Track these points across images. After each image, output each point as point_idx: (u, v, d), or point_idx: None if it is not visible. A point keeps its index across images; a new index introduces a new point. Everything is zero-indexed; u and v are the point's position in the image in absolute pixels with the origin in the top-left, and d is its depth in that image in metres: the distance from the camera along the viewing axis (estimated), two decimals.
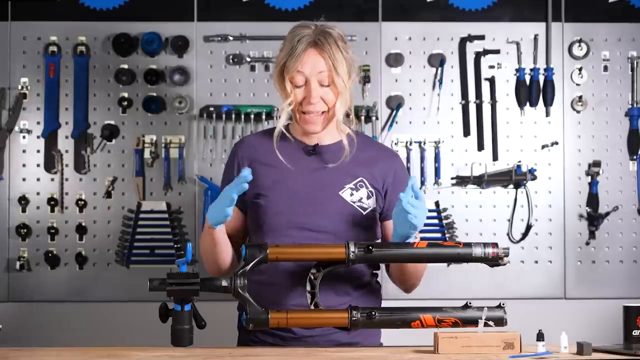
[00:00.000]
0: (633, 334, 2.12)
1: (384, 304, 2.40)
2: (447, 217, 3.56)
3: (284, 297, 2.28)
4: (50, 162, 3.57)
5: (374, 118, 3.55)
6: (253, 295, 2.25)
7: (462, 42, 3.61)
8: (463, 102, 3.61)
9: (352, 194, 2.33)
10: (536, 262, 3.60)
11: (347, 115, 2.37)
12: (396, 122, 3.58)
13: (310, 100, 2.28)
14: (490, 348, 2.02)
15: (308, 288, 2.17)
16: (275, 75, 2.34)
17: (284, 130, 2.37)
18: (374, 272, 2.43)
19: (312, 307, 2.15)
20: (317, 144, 2.36)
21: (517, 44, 3.61)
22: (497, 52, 3.61)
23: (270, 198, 2.32)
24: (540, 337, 2.01)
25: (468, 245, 2.16)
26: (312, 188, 2.32)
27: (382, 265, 2.47)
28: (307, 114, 2.30)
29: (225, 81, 3.60)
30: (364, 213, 2.33)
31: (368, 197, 2.34)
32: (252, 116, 3.54)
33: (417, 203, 2.15)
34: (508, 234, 3.61)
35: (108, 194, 3.57)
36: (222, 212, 2.18)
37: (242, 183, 2.12)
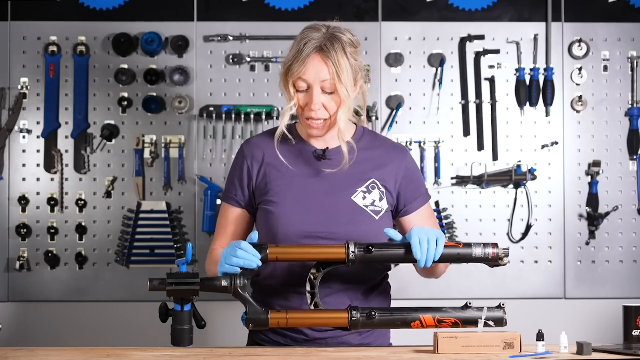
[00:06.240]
0: (633, 334, 2.13)
1: None
2: (447, 217, 3.56)
3: (297, 303, 2.26)
4: (50, 162, 3.57)
5: (374, 118, 3.55)
6: (264, 299, 2.25)
7: (462, 42, 3.61)
8: (463, 102, 3.61)
9: (364, 198, 2.30)
10: (536, 262, 3.60)
11: (358, 114, 2.36)
12: (396, 122, 3.58)
13: (312, 107, 2.23)
14: (490, 348, 2.02)
15: (308, 288, 2.17)
16: (281, 76, 2.29)
17: (295, 131, 2.35)
18: (387, 272, 2.42)
19: (312, 308, 2.16)
20: (327, 147, 2.33)
21: (517, 44, 3.61)
22: (497, 52, 3.61)
23: (282, 206, 2.28)
24: (540, 337, 2.01)
25: (468, 245, 2.16)
26: (324, 194, 2.29)
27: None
28: (309, 120, 2.26)
29: (225, 81, 3.60)
30: (377, 218, 2.30)
31: (380, 199, 2.31)
32: (252, 116, 3.54)
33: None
34: (508, 234, 3.61)
35: (108, 194, 3.57)
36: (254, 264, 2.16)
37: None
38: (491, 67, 3.62)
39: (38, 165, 3.58)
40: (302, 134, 2.36)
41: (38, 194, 3.57)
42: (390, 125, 3.57)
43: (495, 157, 3.59)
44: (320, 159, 2.32)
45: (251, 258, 2.10)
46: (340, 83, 2.23)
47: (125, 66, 3.58)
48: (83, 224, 3.57)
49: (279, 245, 2.20)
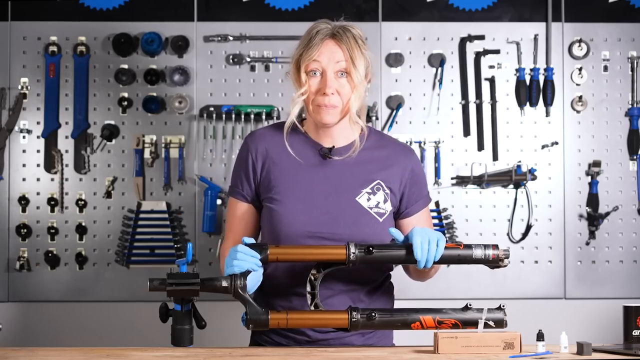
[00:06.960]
0: (633, 334, 2.13)
1: None
2: (447, 217, 3.56)
3: (299, 304, 2.26)
4: (50, 162, 3.57)
5: (374, 118, 3.55)
6: (266, 300, 2.24)
7: (462, 42, 3.61)
8: (463, 102, 3.61)
9: (369, 199, 2.27)
10: (536, 262, 3.60)
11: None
12: (396, 122, 3.58)
13: (325, 91, 2.20)
14: (490, 348, 2.02)
15: (308, 289, 2.17)
16: (292, 70, 2.26)
17: (299, 125, 2.30)
18: (389, 272, 2.41)
19: (312, 308, 2.16)
20: (333, 146, 2.29)
21: (517, 44, 3.61)
22: (497, 52, 3.61)
23: (286, 205, 2.26)
24: (540, 337, 2.01)
25: (468, 247, 2.15)
26: (328, 194, 2.26)
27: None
28: (321, 106, 2.22)
29: (225, 81, 3.60)
30: (381, 220, 2.28)
31: (385, 201, 2.29)
32: (252, 116, 3.54)
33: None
34: (508, 234, 3.61)
35: (108, 194, 3.57)
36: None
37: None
38: (491, 67, 3.62)
39: (38, 165, 3.58)
40: (311, 133, 2.32)
41: (38, 194, 3.57)
42: (390, 125, 3.57)
43: (495, 157, 3.59)
44: (326, 157, 2.30)
45: (249, 259, 2.10)
46: (353, 66, 2.22)
47: (125, 66, 3.58)
48: (83, 224, 3.57)
49: (279, 245, 2.19)
